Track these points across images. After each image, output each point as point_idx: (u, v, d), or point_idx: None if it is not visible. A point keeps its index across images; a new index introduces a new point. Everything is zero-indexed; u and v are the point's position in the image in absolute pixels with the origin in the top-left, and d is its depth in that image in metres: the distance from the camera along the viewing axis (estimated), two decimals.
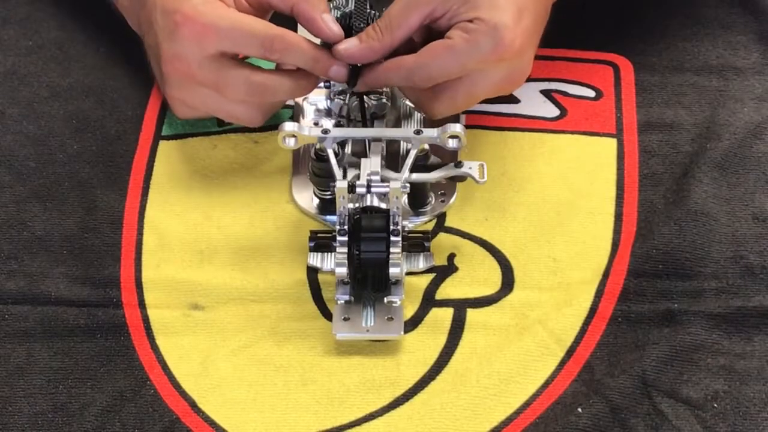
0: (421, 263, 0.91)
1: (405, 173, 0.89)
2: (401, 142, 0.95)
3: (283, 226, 0.94)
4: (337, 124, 0.96)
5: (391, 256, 0.88)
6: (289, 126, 0.89)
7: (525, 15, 0.89)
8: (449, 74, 0.89)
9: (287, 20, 0.93)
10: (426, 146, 0.90)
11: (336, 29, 0.91)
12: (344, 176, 0.89)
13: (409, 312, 0.90)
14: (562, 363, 0.87)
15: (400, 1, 0.91)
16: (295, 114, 0.99)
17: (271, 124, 0.96)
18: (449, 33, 0.89)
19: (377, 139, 0.91)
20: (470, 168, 0.89)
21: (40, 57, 1.04)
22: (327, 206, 0.94)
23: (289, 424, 0.85)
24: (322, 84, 0.97)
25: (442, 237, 0.94)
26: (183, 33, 0.89)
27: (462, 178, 0.92)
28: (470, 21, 0.88)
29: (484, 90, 0.91)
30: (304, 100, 0.99)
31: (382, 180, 0.88)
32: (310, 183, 0.94)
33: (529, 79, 0.94)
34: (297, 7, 0.91)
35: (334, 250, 0.89)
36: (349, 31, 0.93)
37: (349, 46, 0.91)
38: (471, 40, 0.88)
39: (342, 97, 0.96)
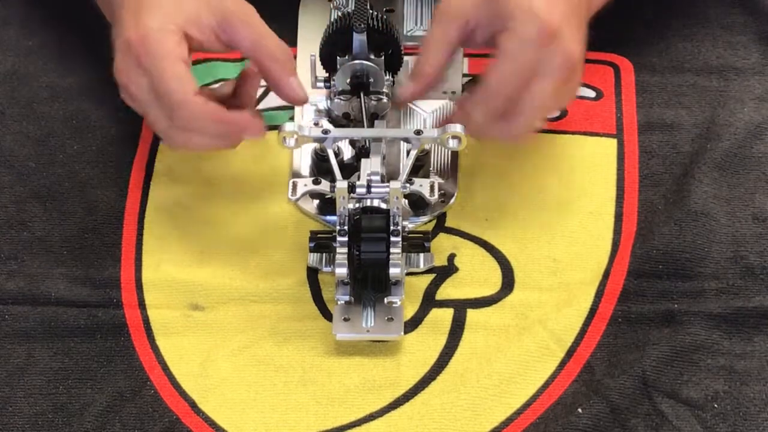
0: (421, 263, 0.91)
1: (405, 174, 0.89)
2: (401, 144, 0.95)
3: (283, 226, 0.94)
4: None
5: (391, 256, 0.88)
6: (289, 126, 0.89)
7: (556, 2, 0.88)
8: (518, 77, 0.87)
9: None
10: (427, 146, 0.90)
11: (302, 94, 0.90)
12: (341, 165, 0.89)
13: (410, 312, 0.90)
14: (563, 363, 0.87)
15: (433, 22, 0.91)
16: (295, 114, 0.99)
17: (272, 124, 0.96)
18: (496, 44, 0.89)
19: (377, 139, 0.91)
20: (421, 186, 0.88)
21: (40, 57, 1.04)
22: (327, 206, 0.94)
23: (289, 424, 0.85)
24: (322, 84, 0.97)
25: (442, 237, 0.94)
26: (129, 54, 0.87)
27: (414, 196, 0.91)
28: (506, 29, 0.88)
29: (551, 83, 0.88)
30: None
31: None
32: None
33: None
34: (264, 65, 0.90)
35: (334, 251, 0.89)
36: (349, 33, 0.93)
37: (413, 89, 0.91)
38: (515, 35, 0.87)
39: (342, 98, 0.96)
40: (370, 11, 0.94)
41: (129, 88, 0.89)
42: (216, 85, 0.95)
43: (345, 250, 0.88)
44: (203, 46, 0.90)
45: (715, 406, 0.84)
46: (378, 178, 0.88)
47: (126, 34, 0.88)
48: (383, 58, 0.95)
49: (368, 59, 0.95)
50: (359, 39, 0.94)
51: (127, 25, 0.88)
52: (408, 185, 0.88)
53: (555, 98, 0.90)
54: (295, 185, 0.88)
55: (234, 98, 0.92)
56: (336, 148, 0.91)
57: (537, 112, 0.89)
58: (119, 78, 0.89)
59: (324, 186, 0.88)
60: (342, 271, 0.88)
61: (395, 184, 0.87)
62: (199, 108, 0.87)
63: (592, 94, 1.02)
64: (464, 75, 1.01)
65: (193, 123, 0.87)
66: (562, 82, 0.89)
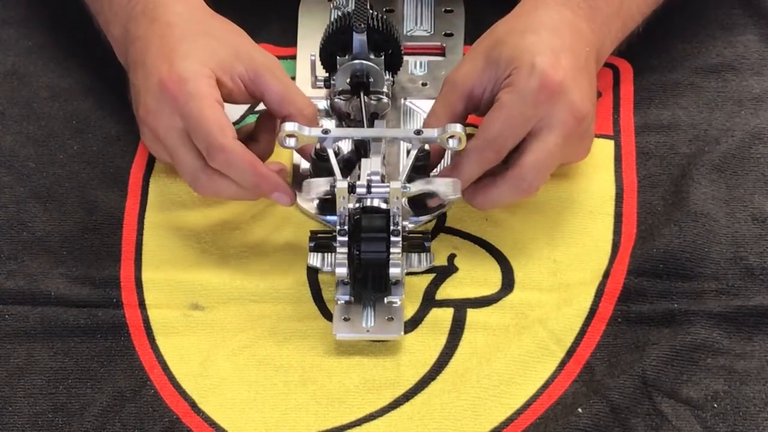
0: (421, 263, 0.91)
1: (405, 174, 0.89)
2: (401, 144, 0.95)
3: (283, 226, 0.94)
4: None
5: (391, 256, 0.88)
6: (289, 126, 0.89)
7: (562, 56, 0.89)
8: (512, 128, 0.87)
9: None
10: (427, 146, 0.90)
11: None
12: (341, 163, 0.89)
13: (410, 312, 0.90)
14: (563, 363, 0.87)
15: (440, 94, 0.92)
16: None
17: None
18: (495, 99, 0.89)
19: (377, 139, 0.91)
20: (442, 185, 0.88)
21: (40, 57, 1.04)
22: (327, 206, 0.94)
23: (289, 424, 0.85)
24: (322, 83, 0.97)
25: (443, 237, 0.94)
26: (162, 95, 0.88)
27: (434, 194, 0.90)
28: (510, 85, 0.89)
29: (555, 137, 0.88)
30: None
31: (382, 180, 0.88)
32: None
33: None
34: (290, 119, 0.90)
35: (334, 251, 0.89)
36: (349, 33, 0.93)
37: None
38: (514, 88, 0.87)
39: (342, 97, 0.96)
40: (370, 11, 0.94)
41: (158, 130, 0.89)
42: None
43: (345, 249, 0.88)
44: (231, 95, 0.90)
45: (715, 405, 0.84)
46: (378, 178, 0.88)
47: (158, 76, 0.88)
48: (383, 57, 0.95)
49: (368, 59, 0.95)
50: (359, 39, 0.94)
51: (158, 67, 0.88)
52: (409, 186, 0.88)
53: (561, 153, 0.90)
54: (309, 186, 0.88)
55: (254, 143, 0.92)
56: (336, 148, 0.90)
57: (540, 167, 0.89)
58: (147, 120, 0.89)
59: None
60: (342, 271, 0.88)
61: (395, 184, 0.87)
62: (238, 155, 0.87)
63: None
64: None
65: (230, 169, 0.87)
66: (568, 136, 0.89)
